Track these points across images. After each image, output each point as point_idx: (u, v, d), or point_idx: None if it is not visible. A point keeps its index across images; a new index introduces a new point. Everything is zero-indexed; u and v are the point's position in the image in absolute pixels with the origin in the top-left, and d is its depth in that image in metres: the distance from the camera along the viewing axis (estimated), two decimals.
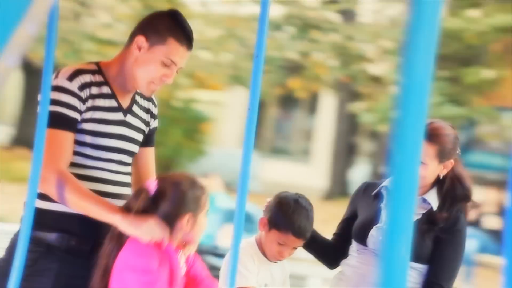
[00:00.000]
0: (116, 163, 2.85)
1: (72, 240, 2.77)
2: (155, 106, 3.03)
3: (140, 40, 2.79)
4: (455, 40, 11.32)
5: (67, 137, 2.75)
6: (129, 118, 2.90)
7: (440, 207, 3.02)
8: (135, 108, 2.93)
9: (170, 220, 2.68)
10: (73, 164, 2.80)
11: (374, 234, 3.05)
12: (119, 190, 2.85)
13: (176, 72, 2.83)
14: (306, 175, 18.60)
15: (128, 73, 2.83)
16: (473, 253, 9.74)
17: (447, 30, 11.43)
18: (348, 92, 13.79)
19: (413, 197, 1.30)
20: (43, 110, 2.56)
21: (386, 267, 1.30)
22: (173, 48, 2.77)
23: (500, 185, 10.84)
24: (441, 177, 3.05)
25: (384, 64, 12.46)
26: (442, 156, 3.00)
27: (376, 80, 12.53)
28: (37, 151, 2.54)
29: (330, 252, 3.21)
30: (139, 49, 2.79)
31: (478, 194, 12.82)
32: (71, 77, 2.79)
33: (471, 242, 9.77)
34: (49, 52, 2.54)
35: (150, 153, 3.02)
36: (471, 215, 11.07)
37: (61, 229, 2.76)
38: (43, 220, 2.70)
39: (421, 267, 3.00)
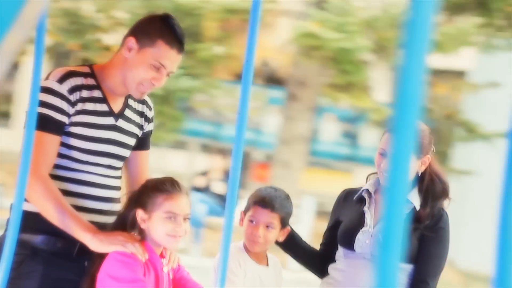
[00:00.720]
0: (104, 167, 2.81)
1: (58, 243, 2.72)
2: (150, 109, 2.98)
3: (131, 41, 2.75)
4: (190, 16, 11.79)
5: (52, 140, 2.70)
6: (121, 123, 2.85)
7: (423, 205, 3.05)
8: (127, 112, 2.88)
9: (127, 214, 2.71)
10: (60, 167, 2.75)
11: (360, 238, 3.06)
12: (107, 193, 2.82)
13: (168, 75, 2.80)
14: (8, 138, 18.06)
15: (119, 75, 2.78)
16: (202, 216, 10.32)
17: (182, 7, 11.90)
18: (77, 59, 13.73)
19: (405, 195, 1.33)
20: (31, 112, 2.55)
21: (381, 266, 1.31)
22: (162, 51, 2.73)
23: (223, 152, 11.52)
24: (419, 174, 3.06)
25: (117, 35, 12.56)
26: (419, 151, 3.00)
27: (109, 49, 12.60)
28: (25, 154, 2.52)
29: (318, 261, 3.22)
30: (129, 50, 2.75)
31: (206, 161, 13.40)
32: (61, 79, 2.72)
33: (201, 206, 10.39)
34: (38, 55, 2.52)
35: (143, 156, 2.97)
36: (201, 182, 11.42)
37: (46, 232, 2.71)
38: (28, 222, 2.64)
39: (408, 267, 3.03)
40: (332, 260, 3.20)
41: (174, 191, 2.72)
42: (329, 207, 3.32)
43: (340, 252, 3.15)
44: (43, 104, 2.69)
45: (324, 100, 13.60)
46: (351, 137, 16.17)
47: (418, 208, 3.07)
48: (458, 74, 13.61)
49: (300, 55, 12.33)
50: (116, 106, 2.86)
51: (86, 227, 2.65)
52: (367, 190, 3.16)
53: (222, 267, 2.56)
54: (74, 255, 2.74)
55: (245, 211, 3.08)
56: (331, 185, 12.38)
